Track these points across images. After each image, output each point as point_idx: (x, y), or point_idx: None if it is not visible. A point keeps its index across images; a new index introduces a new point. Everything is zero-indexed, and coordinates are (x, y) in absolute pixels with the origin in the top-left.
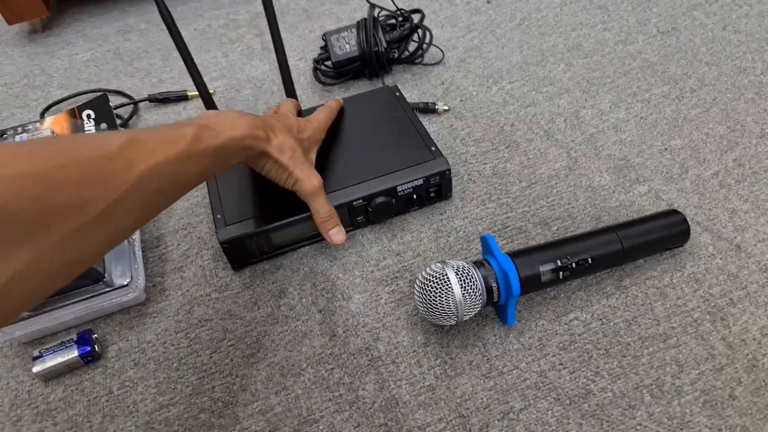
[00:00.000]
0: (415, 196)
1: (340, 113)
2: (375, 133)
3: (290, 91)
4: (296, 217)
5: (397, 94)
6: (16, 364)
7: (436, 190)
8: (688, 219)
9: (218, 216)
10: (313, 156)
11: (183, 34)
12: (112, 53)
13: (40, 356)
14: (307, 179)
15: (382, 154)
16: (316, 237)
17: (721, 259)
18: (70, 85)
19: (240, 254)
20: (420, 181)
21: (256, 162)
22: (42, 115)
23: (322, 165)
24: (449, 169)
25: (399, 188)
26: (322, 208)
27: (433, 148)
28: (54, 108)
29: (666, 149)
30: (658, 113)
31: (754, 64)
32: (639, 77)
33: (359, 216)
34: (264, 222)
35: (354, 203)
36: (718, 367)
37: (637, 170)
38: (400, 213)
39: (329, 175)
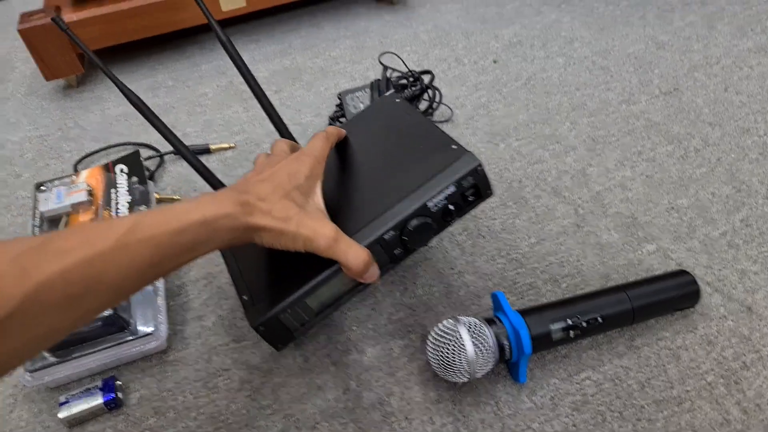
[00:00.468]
0: (451, 207)
1: (344, 141)
2: (386, 151)
3: (283, 133)
4: (328, 272)
5: (398, 100)
6: (43, 409)
7: (474, 192)
8: (697, 279)
9: (244, 297)
10: (318, 195)
11: (206, 91)
12: None
13: (66, 402)
14: (317, 233)
15: (401, 171)
16: (360, 285)
17: (732, 320)
18: (101, 138)
19: (280, 333)
20: (452, 189)
21: (250, 239)
22: (75, 167)
23: (335, 204)
24: (480, 164)
25: (430, 204)
26: (349, 257)
27: (454, 147)
28: (87, 160)
29: (673, 208)
30: (663, 172)
31: (756, 124)
32: (643, 136)
33: (395, 249)
34: (296, 288)
35: (385, 237)
36: None
37: (645, 229)
38: (441, 230)
39: (347, 214)
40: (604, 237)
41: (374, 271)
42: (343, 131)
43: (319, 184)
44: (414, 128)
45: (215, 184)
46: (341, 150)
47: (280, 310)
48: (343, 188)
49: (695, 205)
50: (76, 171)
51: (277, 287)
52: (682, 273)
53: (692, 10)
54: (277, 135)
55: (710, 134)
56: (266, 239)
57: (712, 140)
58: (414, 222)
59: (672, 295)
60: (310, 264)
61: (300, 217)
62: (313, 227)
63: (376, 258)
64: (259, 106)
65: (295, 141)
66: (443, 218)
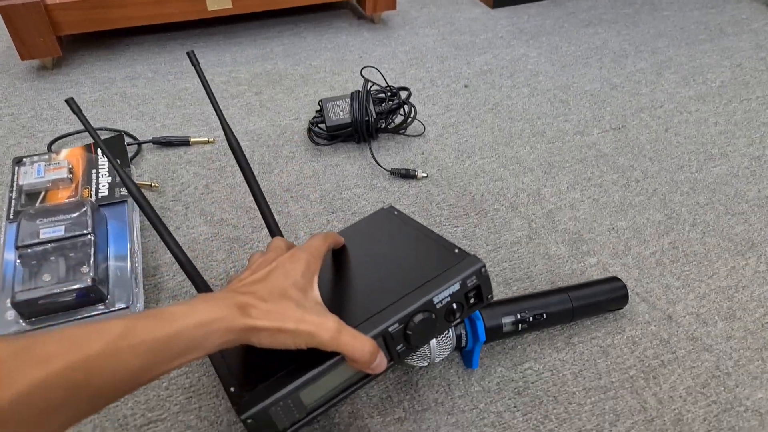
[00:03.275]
0: (455, 306)
1: (342, 248)
2: (388, 254)
3: (275, 231)
4: (328, 363)
5: (396, 213)
6: None
7: (476, 294)
8: (628, 289)
9: (232, 389)
10: (315, 290)
11: (186, 86)
12: (119, 96)
13: None
14: (319, 327)
15: (403, 271)
16: (363, 380)
17: (655, 326)
18: (76, 121)
19: (268, 429)
20: (456, 286)
21: (247, 340)
22: (49, 147)
23: (337, 298)
24: (484, 266)
25: (436, 300)
26: (356, 347)
27: (456, 251)
28: (60, 141)
29: (613, 228)
30: (608, 197)
31: (690, 163)
32: (593, 164)
33: (398, 345)
34: (291, 379)
35: (390, 330)
36: (649, 418)
37: (588, 244)
38: (442, 330)
39: (349, 308)
40: (553, 249)
41: (382, 360)
42: (341, 239)
43: (315, 279)
44: (415, 235)
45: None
46: (340, 255)
47: (273, 402)
48: (343, 288)
49: (632, 227)
50: (49, 150)
51: (269, 378)
52: (614, 279)
53: (644, 58)
54: (260, 135)
55: (650, 168)
56: (264, 340)
57: (650, 173)
58: (419, 317)
59: (606, 297)
60: (305, 355)
61: (299, 314)
62: (314, 322)
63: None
64: (238, 105)
65: (282, 236)
66: (446, 317)
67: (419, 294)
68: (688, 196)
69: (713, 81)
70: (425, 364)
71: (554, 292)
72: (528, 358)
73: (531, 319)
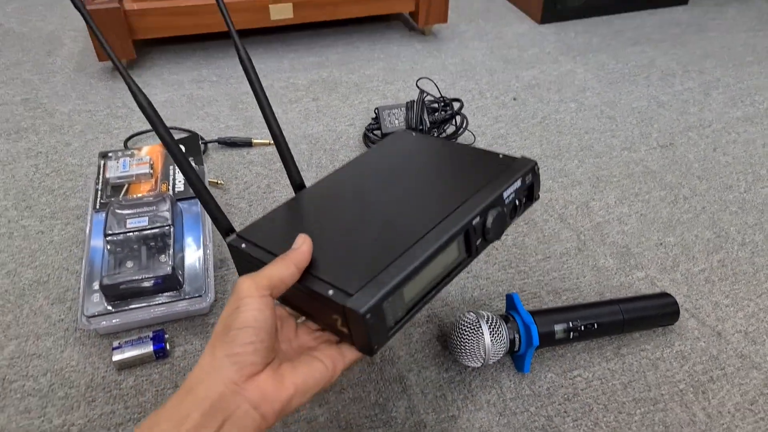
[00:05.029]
0: (517, 202)
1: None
2: (428, 168)
3: (296, 178)
4: (429, 252)
5: (414, 134)
6: (92, 353)
7: (528, 191)
8: (678, 304)
9: (330, 292)
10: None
11: (248, 89)
12: (186, 98)
13: (120, 347)
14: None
15: (460, 176)
16: (454, 270)
17: (704, 342)
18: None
19: (381, 328)
20: (519, 183)
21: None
22: (125, 143)
23: (407, 206)
24: (537, 164)
25: (505, 195)
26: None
27: (501, 156)
28: (134, 138)
29: (661, 244)
30: (655, 213)
31: (738, 183)
32: (641, 180)
33: (478, 239)
34: (393, 273)
35: (473, 223)
36: None
37: (636, 258)
38: (506, 226)
39: (418, 214)
40: (601, 261)
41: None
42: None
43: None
44: (448, 149)
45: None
46: (387, 168)
47: (385, 294)
48: (404, 195)
49: (680, 243)
50: (125, 146)
51: (369, 277)
52: (665, 295)
53: (691, 77)
54: (317, 140)
55: (698, 186)
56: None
57: (699, 191)
58: (494, 211)
59: (656, 312)
60: (396, 234)
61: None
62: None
63: (455, 255)
64: (296, 110)
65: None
66: (510, 213)
67: (488, 192)
68: (736, 215)
69: (761, 103)
70: (479, 365)
71: (606, 304)
72: (578, 365)
73: (582, 327)
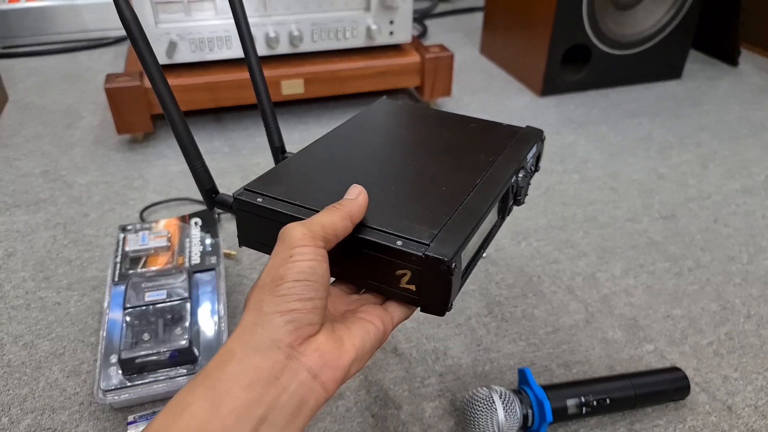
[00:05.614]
0: (531, 168)
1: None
2: (443, 130)
3: (275, 140)
4: (492, 197)
5: (400, 102)
6: (107, 427)
7: (537, 160)
8: (688, 378)
9: (398, 243)
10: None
11: (259, 161)
12: None
13: (134, 422)
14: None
15: (478, 141)
16: (489, 237)
17: (715, 417)
18: (162, 191)
19: (458, 282)
20: (534, 149)
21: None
22: (141, 215)
23: (437, 167)
24: (542, 131)
25: (525, 161)
26: (354, 206)
27: (504, 125)
28: (150, 209)
29: (669, 316)
30: (661, 285)
31: (741, 254)
32: (645, 252)
33: (511, 201)
34: (464, 222)
35: (512, 182)
36: None
37: (645, 331)
38: (527, 191)
39: (455, 173)
40: (610, 333)
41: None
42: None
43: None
44: (446, 116)
45: None
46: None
47: (463, 242)
48: (433, 162)
49: (687, 315)
50: (141, 218)
51: (435, 222)
52: (675, 369)
53: (688, 150)
54: None
55: (701, 257)
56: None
57: (702, 263)
58: (521, 174)
59: (667, 387)
60: (451, 193)
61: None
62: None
63: (494, 217)
64: None
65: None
66: (528, 180)
67: (513, 155)
68: (741, 287)
69: (758, 175)
70: None
71: (617, 378)
72: None
73: (595, 403)
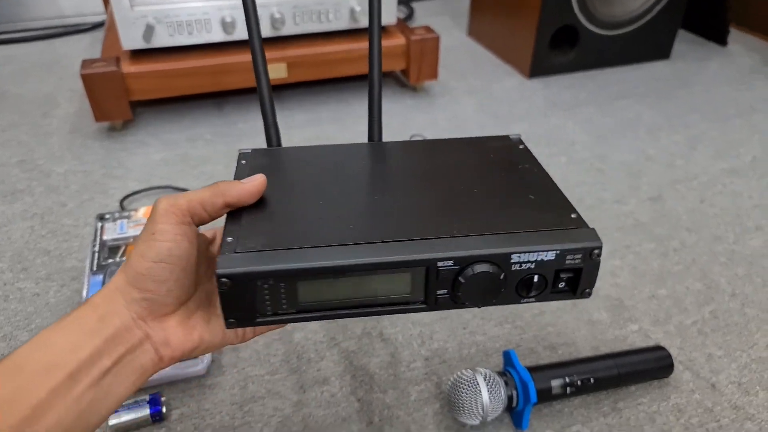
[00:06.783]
0: (536, 279)
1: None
2: (487, 179)
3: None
4: (359, 260)
5: (521, 146)
6: None
7: (572, 278)
8: (672, 356)
9: (228, 239)
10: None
11: (242, 146)
12: (181, 157)
13: (116, 411)
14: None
15: (496, 206)
16: (391, 306)
17: (699, 394)
18: (143, 179)
19: (242, 303)
20: (551, 255)
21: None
22: (121, 204)
23: (405, 198)
24: (600, 249)
25: (515, 258)
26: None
27: (573, 216)
28: (130, 198)
29: (653, 296)
30: (647, 265)
31: (726, 234)
32: (631, 233)
33: (441, 289)
34: (295, 259)
35: (439, 266)
36: None
37: (630, 311)
38: (503, 301)
39: (403, 215)
40: (595, 315)
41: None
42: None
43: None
44: (531, 175)
45: None
46: (434, 159)
47: (260, 274)
48: (418, 186)
49: (672, 296)
50: (121, 207)
51: (276, 247)
52: (659, 348)
53: (677, 131)
54: None
55: (687, 238)
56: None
57: (688, 243)
58: (482, 267)
59: (651, 366)
60: (336, 230)
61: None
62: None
63: (412, 288)
64: None
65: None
66: (518, 288)
67: (498, 241)
68: (726, 266)
69: (745, 155)
70: (477, 422)
71: (601, 358)
72: (575, 421)
73: (579, 383)
